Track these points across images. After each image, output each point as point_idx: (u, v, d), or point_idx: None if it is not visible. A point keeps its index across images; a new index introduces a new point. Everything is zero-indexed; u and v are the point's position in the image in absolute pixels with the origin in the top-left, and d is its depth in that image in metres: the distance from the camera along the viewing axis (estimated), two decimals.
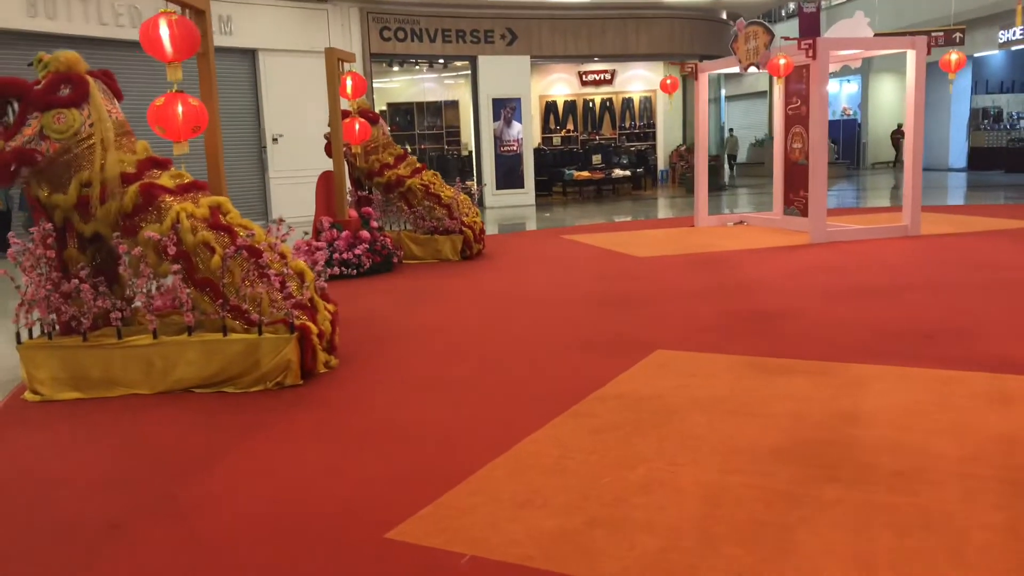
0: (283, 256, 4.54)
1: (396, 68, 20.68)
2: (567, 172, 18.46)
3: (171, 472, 3.27)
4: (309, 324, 4.43)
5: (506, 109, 16.83)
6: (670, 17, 17.80)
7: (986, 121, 24.84)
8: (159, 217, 4.37)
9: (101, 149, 4.37)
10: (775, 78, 10.02)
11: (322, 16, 15.01)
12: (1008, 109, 25.10)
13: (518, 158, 16.99)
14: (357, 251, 8.13)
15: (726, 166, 22.28)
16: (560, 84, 22.60)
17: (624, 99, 23.16)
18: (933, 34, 9.22)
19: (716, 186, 20.33)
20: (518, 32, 16.66)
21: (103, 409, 4.15)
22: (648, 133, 23.16)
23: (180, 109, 4.98)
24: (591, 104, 22.98)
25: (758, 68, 10.07)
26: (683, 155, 22.97)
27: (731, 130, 26.38)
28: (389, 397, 4.22)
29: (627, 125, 23.03)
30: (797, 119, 10.43)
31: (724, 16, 19.35)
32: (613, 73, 22.68)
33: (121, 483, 3.19)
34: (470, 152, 20.58)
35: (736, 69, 11.06)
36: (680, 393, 3.94)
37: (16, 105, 4.33)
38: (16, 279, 4.35)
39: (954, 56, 9.52)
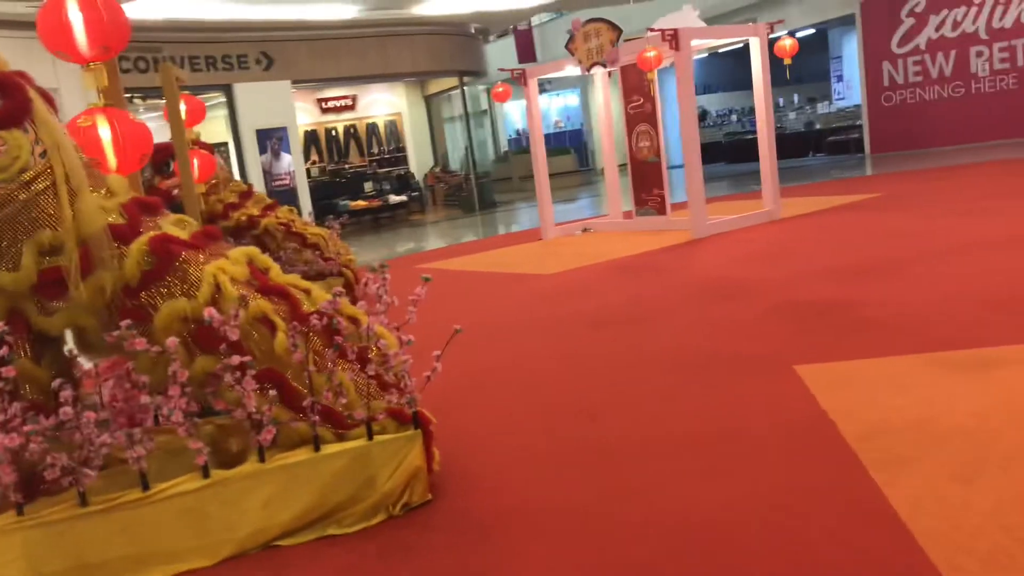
0: (357, 321, 3.12)
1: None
2: (341, 203, 17.07)
3: None
4: (427, 413, 3.07)
5: (272, 140, 15.14)
6: (428, 34, 17.17)
7: None
8: (184, 287, 2.78)
9: (67, 191, 2.69)
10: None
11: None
12: (710, 108, 27.54)
13: (293, 192, 15.33)
14: None
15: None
16: (299, 113, 20.99)
17: (368, 124, 22.10)
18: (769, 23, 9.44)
19: (490, 203, 19.93)
20: (274, 56, 15.06)
21: None
22: (399, 158, 22.29)
23: (107, 132, 3.40)
24: (334, 132, 21.65)
25: (604, 67, 9.69)
26: (439, 177, 22.43)
27: (467, 147, 26.24)
28: (583, 494, 2.93)
29: (376, 151, 21.99)
30: (641, 117, 10.18)
31: (472, 31, 19.10)
32: (355, 98, 21.54)
33: None
34: None
35: (565, 72, 10.66)
36: (959, 413, 3.13)
37: None
38: None
39: (788, 42, 9.83)
